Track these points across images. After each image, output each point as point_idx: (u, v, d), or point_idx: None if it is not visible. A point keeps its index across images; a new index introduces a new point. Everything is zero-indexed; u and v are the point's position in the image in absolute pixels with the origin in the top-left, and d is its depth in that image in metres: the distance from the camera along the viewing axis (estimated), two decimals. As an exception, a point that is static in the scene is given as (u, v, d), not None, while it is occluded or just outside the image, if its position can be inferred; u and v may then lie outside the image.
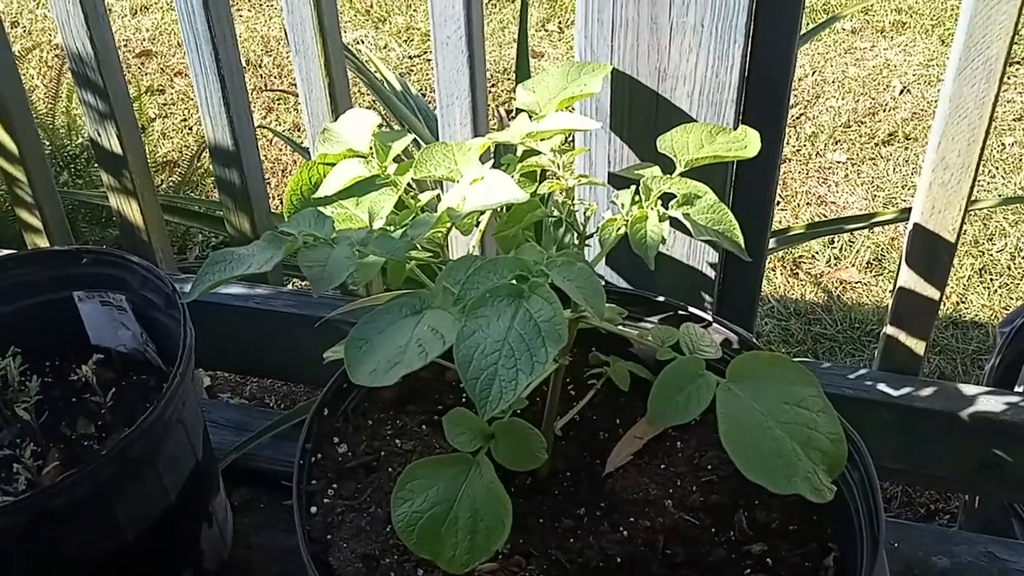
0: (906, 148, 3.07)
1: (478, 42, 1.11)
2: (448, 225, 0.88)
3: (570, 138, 1.09)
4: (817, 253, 2.73)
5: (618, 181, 1.07)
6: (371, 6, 3.92)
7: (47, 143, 2.01)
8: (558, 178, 0.85)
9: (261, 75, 3.50)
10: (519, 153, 0.95)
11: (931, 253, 1.08)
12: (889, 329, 1.16)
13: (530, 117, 0.96)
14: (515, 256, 0.75)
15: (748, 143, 0.92)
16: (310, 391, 2.13)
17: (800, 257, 2.72)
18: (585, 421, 1.06)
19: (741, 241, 0.80)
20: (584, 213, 0.85)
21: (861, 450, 0.91)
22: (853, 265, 2.71)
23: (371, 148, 0.96)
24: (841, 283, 2.67)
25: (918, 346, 1.15)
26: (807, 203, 2.90)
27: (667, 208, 0.83)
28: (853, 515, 0.91)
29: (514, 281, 0.73)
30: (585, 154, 1.08)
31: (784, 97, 1.01)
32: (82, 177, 1.97)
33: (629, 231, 0.79)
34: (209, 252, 2.29)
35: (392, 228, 0.92)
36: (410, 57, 3.61)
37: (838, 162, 3.06)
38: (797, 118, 3.22)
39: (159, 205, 1.41)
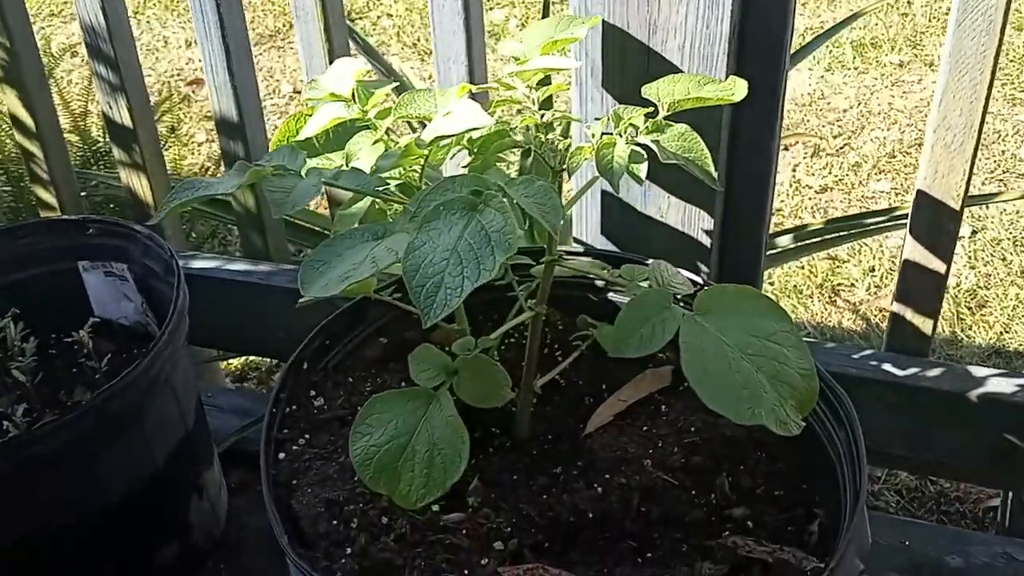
0: (952, 179, 2.99)
1: (475, 4, 1.11)
2: (421, 160, 0.87)
3: (566, 97, 1.08)
4: (857, 281, 2.66)
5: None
6: (418, 40, 3.99)
7: (80, 143, 2.06)
8: (532, 112, 0.83)
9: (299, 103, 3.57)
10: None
11: (935, 222, 1.04)
12: (895, 307, 1.12)
13: (516, 64, 0.95)
14: (475, 175, 0.74)
15: (735, 90, 0.90)
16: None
17: (839, 284, 2.66)
18: (571, 386, 1.03)
19: (712, 168, 0.77)
20: (557, 146, 0.83)
21: (848, 408, 0.86)
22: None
23: (353, 93, 0.96)
24: (881, 311, 2.60)
25: (925, 324, 1.10)
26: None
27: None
28: (839, 476, 0.86)
29: (471, 196, 0.72)
30: (578, 111, 1.07)
31: (782, 49, 0.98)
32: (111, 172, 2.01)
33: (595, 156, 0.77)
34: (231, 249, 2.31)
35: (370, 171, 0.91)
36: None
37: (882, 191, 3.00)
38: (841, 148, 3.17)
39: (168, 181, 1.42)
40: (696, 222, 1.08)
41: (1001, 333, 2.47)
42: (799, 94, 3.41)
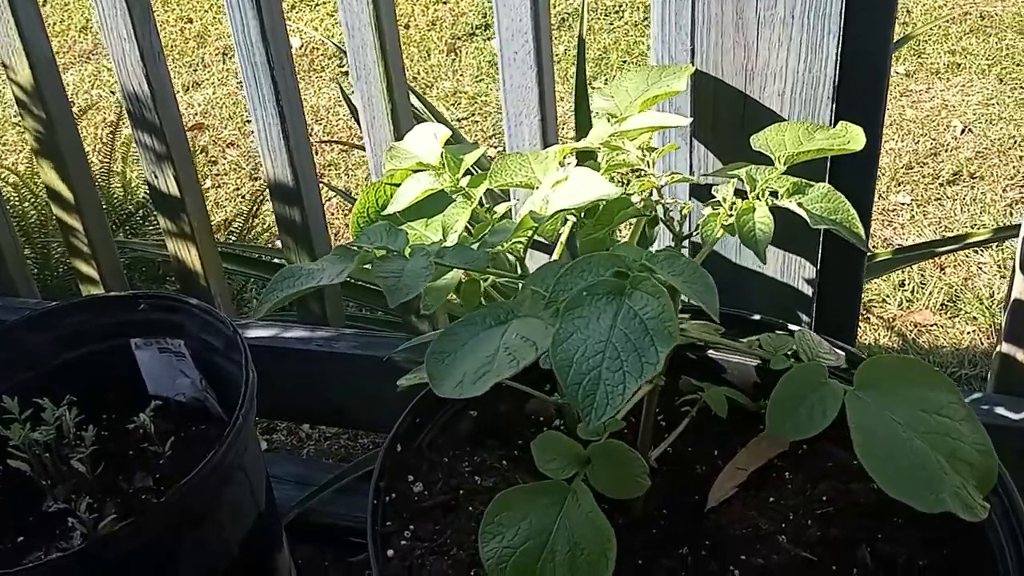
0: (972, 187, 2.96)
1: (547, 57, 1.06)
2: (529, 233, 0.81)
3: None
4: (888, 296, 2.62)
5: (699, 191, 1.00)
6: (417, 73, 3.94)
7: (103, 203, 1.99)
8: (648, 176, 0.78)
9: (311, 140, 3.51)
10: (600, 159, 0.88)
11: (1051, 258, 0.99)
12: (1004, 347, 1.07)
13: (609, 122, 0.90)
14: (611, 253, 0.68)
15: (851, 138, 0.85)
16: (368, 449, 2.05)
17: (870, 301, 2.62)
18: (679, 454, 0.97)
19: (861, 230, 0.72)
20: (681, 211, 0.78)
21: (1003, 475, 0.81)
22: (927, 307, 2.59)
23: (441, 162, 0.90)
24: (915, 326, 2.55)
25: (1038, 364, 1.05)
26: (873, 246, 2.80)
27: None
28: (994, 549, 0.81)
29: (614, 278, 0.66)
30: (662, 163, 1.02)
31: (883, 86, 0.93)
32: (138, 235, 1.95)
33: (736, 223, 0.72)
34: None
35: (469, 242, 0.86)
36: (457, 120, 3.60)
37: (902, 204, 2.96)
38: (856, 162, 3.14)
39: (217, 249, 1.36)
40: (797, 271, 1.03)
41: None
42: (810, 109, 3.37)
